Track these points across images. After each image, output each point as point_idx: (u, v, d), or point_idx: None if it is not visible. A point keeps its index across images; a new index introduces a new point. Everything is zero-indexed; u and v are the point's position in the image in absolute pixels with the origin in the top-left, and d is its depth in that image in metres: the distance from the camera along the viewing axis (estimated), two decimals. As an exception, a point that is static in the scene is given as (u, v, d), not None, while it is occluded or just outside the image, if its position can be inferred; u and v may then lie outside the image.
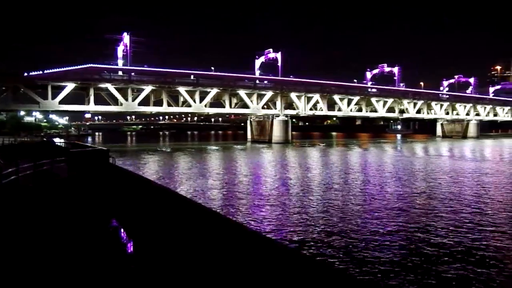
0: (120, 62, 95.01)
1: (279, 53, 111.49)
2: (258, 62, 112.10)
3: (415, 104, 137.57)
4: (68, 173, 21.97)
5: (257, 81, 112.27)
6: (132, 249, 12.72)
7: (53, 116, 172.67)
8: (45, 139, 74.77)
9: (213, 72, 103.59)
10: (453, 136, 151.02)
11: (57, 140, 76.26)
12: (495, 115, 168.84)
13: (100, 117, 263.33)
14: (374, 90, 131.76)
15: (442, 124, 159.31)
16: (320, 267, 7.34)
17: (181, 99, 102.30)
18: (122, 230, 14.59)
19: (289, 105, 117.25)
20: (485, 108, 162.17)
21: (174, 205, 12.40)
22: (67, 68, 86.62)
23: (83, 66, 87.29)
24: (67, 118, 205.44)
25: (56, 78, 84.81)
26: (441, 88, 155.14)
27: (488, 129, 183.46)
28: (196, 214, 10.81)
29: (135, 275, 9.74)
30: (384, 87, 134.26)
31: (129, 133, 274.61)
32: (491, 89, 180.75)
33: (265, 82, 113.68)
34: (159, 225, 12.12)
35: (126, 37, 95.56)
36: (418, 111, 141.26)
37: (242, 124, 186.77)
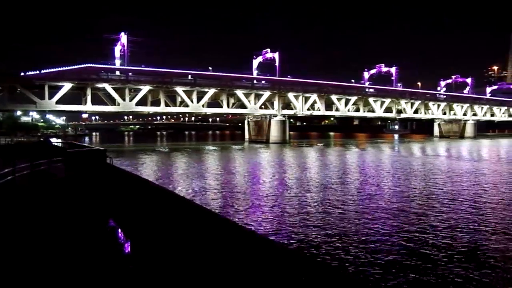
0: (117, 62, 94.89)
1: (277, 53, 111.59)
2: (255, 62, 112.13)
3: (412, 104, 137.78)
4: (65, 173, 21.91)
5: (255, 81, 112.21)
6: (129, 249, 12.66)
7: (50, 116, 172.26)
8: (42, 139, 74.61)
9: (210, 72, 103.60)
10: (451, 136, 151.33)
11: (54, 140, 76.08)
12: (492, 115, 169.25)
13: (97, 117, 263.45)
14: (371, 90, 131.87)
15: (439, 124, 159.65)
16: (319, 267, 7.31)
17: (179, 99, 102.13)
18: (119, 230, 14.52)
19: (287, 105, 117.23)
20: (482, 108, 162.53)
21: (171, 205, 12.35)
22: (64, 68, 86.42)
23: (80, 66, 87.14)
24: (64, 118, 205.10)
25: (53, 78, 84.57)
26: (439, 88, 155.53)
27: (485, 129, 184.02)
28: (194, 214, 10.77)
29: (132, 275, 9.69)
30: (382, 87, 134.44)
31: (126, 133, 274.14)
32: (488, 89, 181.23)
33: (263, 82, 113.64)
34: (156, 225, 12.08)
35: (123, 37, 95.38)
36: (416, 111, 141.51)
37: (240, 124, 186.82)
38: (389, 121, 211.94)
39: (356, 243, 17.21)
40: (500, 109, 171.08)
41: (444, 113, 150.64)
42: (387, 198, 27.82)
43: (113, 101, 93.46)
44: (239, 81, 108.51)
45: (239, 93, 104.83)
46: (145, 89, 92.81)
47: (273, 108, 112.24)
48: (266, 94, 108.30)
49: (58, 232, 12.79)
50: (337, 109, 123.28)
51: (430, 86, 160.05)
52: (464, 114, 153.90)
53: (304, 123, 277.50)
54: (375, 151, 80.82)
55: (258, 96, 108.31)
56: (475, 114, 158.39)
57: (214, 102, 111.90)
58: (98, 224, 15.29)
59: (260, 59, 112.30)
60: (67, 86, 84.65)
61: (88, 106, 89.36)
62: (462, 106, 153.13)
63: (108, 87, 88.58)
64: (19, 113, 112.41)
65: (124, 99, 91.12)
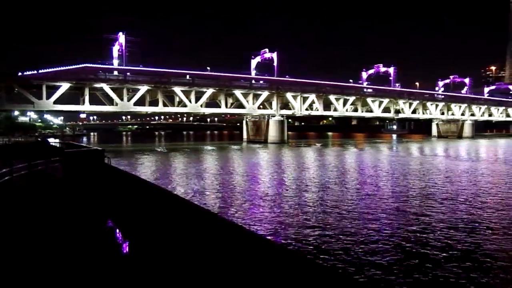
0: (115, 62, 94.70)
1: (275, 53, 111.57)
2: (254, 62, 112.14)
3: (410, 104, 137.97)
4: (63, 173, 21.81)
5: (253, 81, 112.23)
6: (127, 249, 12.59)
7: (47, 116, 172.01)
8: (39, 139, 74.45)
9: (208, 72, 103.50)
10: (449, 136, 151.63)
11: (51, 140, 75.95)
12: (490, 115, 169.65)
13: (95, 117, 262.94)
14: (369, 90, 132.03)
15: (437, 124, 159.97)
16: (318, 268, 7.26)
17: (177, 99, 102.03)
18: (117, 230, 14.45)
19: (285, 105, 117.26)
20: (480, 108, 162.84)
21: (170, 205, 12.29)
22: (62, 68, 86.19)
23: (78, 66, 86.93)
24: (62, 118, 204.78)
25: (51, 78, 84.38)
26: (437, 88, 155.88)
27: (483, 129, 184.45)
28: (192, 214, 10.70)
29: (130, 275, 9.62)
30: (380, 87, 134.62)
31: (124, 133, 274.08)
32: (486, 90, 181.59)
33: (261, 82, 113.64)
34: (155, 225, 12.01)
35: (121, 37, 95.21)
36: (414, 111, 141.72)
37: (238, 124, 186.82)
38: (387, 121, 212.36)
39: (355, 243, 17.17)
40: (498, 109, 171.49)
41: (442, 113, 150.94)
42: (385, 198, 27.80)
43: (111, 101, 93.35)
44: (237, 81, 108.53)
45: (238, 93, 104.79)
46: (143, 89, 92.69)
47: (272, 108, 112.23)
48: (265, 94, 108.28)
49: (56, 232, 12.72)
50: (335, 109, 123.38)
51: (429, 86, 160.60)
52: (462, 114, 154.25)
53: (303, 123, 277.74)
54: (373, 151, 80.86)
55: (256, 96, 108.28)
56: (473, 114, 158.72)
57: (212, 102, 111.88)
58: (96, 224, 15.21)
59: (258, 59, 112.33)
60: (65, 86, 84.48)
61: (86, 106, 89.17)
62: (460, 106, 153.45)
63: (106, 87, 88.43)
64: (16, 113, 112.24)
65: (122, 99, 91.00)
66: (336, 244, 17.06)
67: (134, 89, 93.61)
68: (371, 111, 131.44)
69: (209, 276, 7.64)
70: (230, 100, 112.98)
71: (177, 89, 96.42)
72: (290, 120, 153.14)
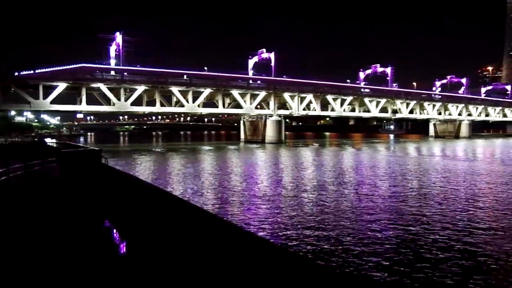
0: (112, 62, 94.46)
1: (272, 53, 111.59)
2: (251, 62, 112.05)
3: (407, 104, 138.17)
4: (59, 173, 21.74)
5: (251, 81, 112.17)
6: (125, 249, 12.54)
7: (44, 116, 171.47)
8: (36, 139, 74.25)
9: (206, 72, 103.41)
10: (446, 136, 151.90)
11: (48, 140, 75.73)
12: (487, 115, 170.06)
13: (92, 117, 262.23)
14: (367, 90, 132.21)
15: (434, 124, 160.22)
16: (316, 267, 7.22)
17: (174, 99, 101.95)
18: (115, 230, 14.39)
19: (283, 105, 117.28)
20: (477, 108, 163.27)
21: (167, 205, 12.25)
22: (59, 68, 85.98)
23: (75, 66, 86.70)
24: (58, 118, 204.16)
25: (48, 78, 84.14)
26: (434, 89, 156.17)
27: (480, 129, 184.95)
28: (190, 214, 10.67)
29: (128, 276, 9.57)
30: (377, 87, 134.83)
31: (121, 133, 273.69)
32: (483, 90, 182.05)
33: (258, 82, 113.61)
34: (152, 226, 11.96)
35: (118, 37, 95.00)
36: (411, 111, 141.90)
37: (235, 124, 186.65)
38: (384, 121, 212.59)
39: (353, 244, 17.14)
40: (495, 109, 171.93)
41: (439, 113, 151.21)
42: (383, 198, 27.78)
43: (108, 101, 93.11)
44: (234, 81, 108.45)
45: (235, 93, 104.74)
46: (140, 89, 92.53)
47: (269, 108, 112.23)
48: (262, 94, 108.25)
49: (53, 232, 12.65)
50: (332, 109, 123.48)
51: (427, 86, 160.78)
52: (459, 114, 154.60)
53: (300, 123, 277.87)
54: (371, 151, 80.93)
55: (253, 96, 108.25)
56: (470, 114, 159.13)
57: (210, 102, 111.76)
58: (94, 224, 15.15)
59: (255, 59, 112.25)
60: (61, 86, 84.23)
61: (83, 106, 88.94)
62: (457, 106, 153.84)
63: (103, 87, 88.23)
64: (13, 113, 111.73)
65: (119, 99, 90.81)
66: (334, 244, 17.03)
67: (131, 89, 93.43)
68: (368, 111, 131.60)
69: (207, 276, 7.60)
70: (227, 100, 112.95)
71: (175, 89, 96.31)
72: (287, 120, 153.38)
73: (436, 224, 20.45)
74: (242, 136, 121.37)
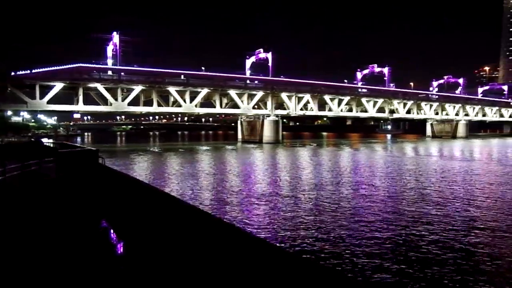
0: (109, 62, 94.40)
1: (270, 53, 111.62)
2: (248, 62, 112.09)
3: (405, 104, 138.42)
4: (56, 173, 21.63)
5: (248, 81, 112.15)
6: (122, 250, 12.48)
7: (41, 116, 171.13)
8: (33, 139, 74.03)
9: (203, 72, 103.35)
10: (443, 136, 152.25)
11: (45, 140, 75.54)
12: (484, 115, 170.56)
13: (89, 117, 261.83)
14: (364, 90, 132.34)
15: (432, 124, 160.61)
16: (314, 267, 7.19)
17: (171, 99, 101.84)
18: (112, 231, 14.33)
19: (280, 105, 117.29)
20: (474, 108, 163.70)
21: (165, 205, 12.20)
22: (55, 68, 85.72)
23: (72, 66, 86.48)
24: (55, 118, 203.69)
25: (44, 78, 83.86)
26: (431, 89, 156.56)
27: (477, 129, 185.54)
28: (187, 215, 10.62)
29: (125, 276, 9.52)
30: (375, 87, 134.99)
31: (118, 133, 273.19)
32: (480, 90, 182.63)
33: (256, 82, 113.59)
34: (150, 226, 11.91)
35: (115, 37, 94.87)
36: (408, 111, 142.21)
37: (233, 124, 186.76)
38: (382, 121, 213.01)
39: (351, 244, 17.12)
40: (492, 109, 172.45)
41: (437, 113, 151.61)
42: (381, 198, 27.79)
43: (105, 101, 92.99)
44: (232, 81, 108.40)
45: (232, 93, 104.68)
46: (137, 89, 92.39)
47: (266, 108, 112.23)
48: (259, 94, 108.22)
49: (50, 232, 12.59)
50: (330, 109, 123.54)
51: (427, 86, 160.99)
52: (456, 114, 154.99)
53: (297, 123, 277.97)
54: (368, 151, 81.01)
55: (251, 96, 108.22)
56: (467, 114, 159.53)
57: (207, 102, 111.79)
58: (91, 224, 15.08)
59: (253, 59, 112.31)
60: (58, 86, 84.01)
61: (80, 106, 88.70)
62: (454, 106, 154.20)
63: (100, 87, 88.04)
64: (9, 113, 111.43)
65: (116, 99, 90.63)
66: (332, 244, 17.00)
67: (129, 89, 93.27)
68: (365, 111, 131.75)
69: (205, 276, 7.56)
70: (225, 100, 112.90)
71: (172, 89, 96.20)
72: (285, 120, 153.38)
73: (434, 224, 20.45)
74: (240, 136, 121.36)
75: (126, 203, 15.69)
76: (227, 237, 8.41)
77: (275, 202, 26.40)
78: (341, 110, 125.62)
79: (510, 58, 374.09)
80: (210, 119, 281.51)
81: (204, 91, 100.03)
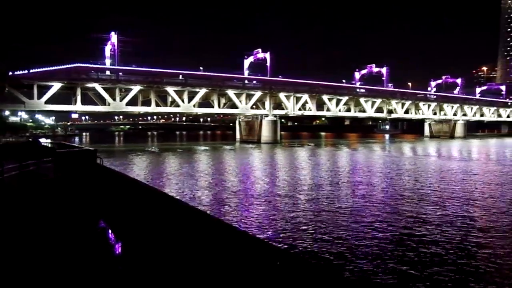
0: (107, 62, 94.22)
1: (268, 53, 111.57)
2: (247, 62, 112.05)
3: (403, 105, 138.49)
4: (54, 173, 21.59)
5: (246, 81, 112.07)
6: (120, 250, 12.46)
7: (39, 116, 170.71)
8: (30, 139, 73.85)
9: (201, 72, 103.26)
10: (441, 136, 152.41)
11: (43, 140, 75.37)
12: (482, 115, 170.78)
13: (87, 117, 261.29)
14: (362, 90, 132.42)
15: (430, 124, 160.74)
16: (312, 267, 7.19)
17: (170, 99, 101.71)
18: (110, 231, 14.31)
19: (278, 105, 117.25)
20: (472, 108, 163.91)
21: (163, 206, 12.19)
22: (53, 68, 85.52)
23: (70, 66, 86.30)
24: (53, 118, 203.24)
25: (42, 78, 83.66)
26: (429, 89, 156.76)
27: (475, 129, 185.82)
28: (186, 215, 10.61)
29: (123, 276, 9.51)
30: (373, 87, 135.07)
31: (117, 133, 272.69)
32: (478, 90, 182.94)
33: (254, 82, 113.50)
34: (148, 226, 11.90)
35: (113, 37, 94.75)
36: (406, 111, 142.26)
37: (231, 124, 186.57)
38: (380, 121, 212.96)
39: (349, 244, 17.12)
40: (490, 109, 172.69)
41: (435, 113, 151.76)
42: (380, 198, 27.82)
43: (103, 101, 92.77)
44: (230, 81, 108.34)
45: (230, 93, 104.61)
46: (135, 89, 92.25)
47: (265, 108, 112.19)
48: (258, 94, 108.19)
49: (48, 233, 12.56)
50: (328, 109, 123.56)
51: (426, 86, 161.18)
52: (454, 114, 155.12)
53: (296, 123, 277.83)
54: (367, 151, 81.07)
55: (249, 96, 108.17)
56: (465, 114, 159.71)
57: (205, 102, 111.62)
58: (89, 225, 15.06)
59: (251, 59, 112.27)
60: (56, 86, 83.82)
61: (78, 106, 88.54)
62: (452, 106, 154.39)
63: (98, 87, 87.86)
64: (7, 113, 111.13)
65: (114, 99, 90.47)
66: (331, 244, 17.00)
67: (127, 89, 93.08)
68: (364, 111, 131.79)
69: (203, 276, 7.55)
70: (223, 100, 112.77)
71: (170, 89, 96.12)
72: (283, 120, 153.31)
73: (433, 224, 20.48)
74: (238, 136, 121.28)
75: (124, 203, 15.67)
76: (225, 237, 8.40)
77: (273, 202, 26.40)
78: (339, 110, 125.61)
79: (508, 58, 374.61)
80: (208, 119, 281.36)
81: (202, 91, 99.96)
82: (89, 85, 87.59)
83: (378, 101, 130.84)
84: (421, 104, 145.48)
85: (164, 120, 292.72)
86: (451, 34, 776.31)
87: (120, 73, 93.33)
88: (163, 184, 34.66)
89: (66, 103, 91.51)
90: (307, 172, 43.48)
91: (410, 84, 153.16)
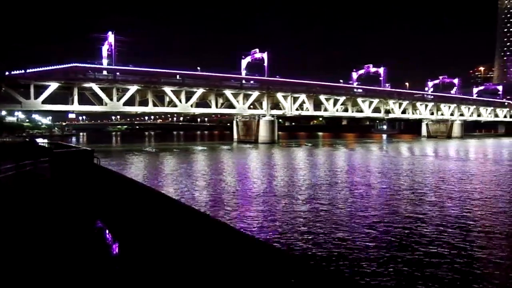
0: (105, 62, 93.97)
1: (265, 53, 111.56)
2: (244, 62, 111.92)
3: (400, 105, 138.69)
4: (51, 174, 21.52)
5: (244, 81, 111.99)
6: (117, 250, 12.42)
7: (36, 116, 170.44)
8: (27, 139, 73.65)
9: (199, 72, 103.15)
10: (438, 136, 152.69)
11: (40, 140, 75.19)
12: (479, 115, 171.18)
13: (84, 117, 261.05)
14: (360, 90, 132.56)
15: (427, 124, 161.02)
16: (310, 268, 7.17)
17: (167, 99, 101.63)
18: (107, 231, 14.26)
19: (276, 105, 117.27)
20: (469, 108, 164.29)
21: (160, 206, 12.16)
22: (50, 68, 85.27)
23: (67, 66, 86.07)
24: (50, 118, 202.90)
25: (39, 78, 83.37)
26: (426, 89, 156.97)
27: (472, 129, 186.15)
28: (183, 215, 10.59)
29: (121, 277, 9.47)
30: (370, 87, 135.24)
31: (114, 133, 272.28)
32: (475, 90, 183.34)
33: (252, 82, 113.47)
34: (145, 226, 11.87)
35: (110, 36, 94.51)
36: (404, 111, 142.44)
37: (228, 124, 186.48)
38: (377, 121, 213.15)
39: (348, 244, 17.11)
40: (487, 109, 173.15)
41: (432, 113, 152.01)
42: (377, 199, 27.83)
43: (100, 101, 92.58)
44: (227, 81, 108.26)
45: (228, 93, 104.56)
46: (133, 89, 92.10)
47: (262, 108, 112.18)
48: (255, 94, 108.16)
49: (44, 233, 12.51)
50: (325, 109, 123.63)
51: (423, 87, 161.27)
52: (452, 114, 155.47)
53: (293, 123, 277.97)
54: (364, 151, 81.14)
55: (246, 96, 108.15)
56: (462, 114, 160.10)
57: (203, 102, 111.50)
58: (86, 225, 15.00)
59: (248, 59, 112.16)
60: (53, 86, 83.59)
61: (75, 106, 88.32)
62: (449, 107, 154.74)
63: (95, 87, 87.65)
64: (3, 113, 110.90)
65: (111, 99, 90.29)
66: (329, 244, 16.99)
67: (124, 89, 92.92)
68: (361, 111, 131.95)
69: (200, 277, 7.52)
70: (220, 100, 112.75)
71: (167, 89, 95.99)
72: (280, 120, 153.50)
73: (431, 224, 20.49)
74: (235, 136, 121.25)
75: (121, 203, 15.63)
76: (222, 237, 8.38)
77: (271, 202, 26.37)
78: (337, 110, 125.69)
79: (505, 58, 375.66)
80: (206, 119, 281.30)
81: (199, 91, 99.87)
82: (86, 85, 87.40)
83: (376, 101, 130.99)
84: (418, 104, 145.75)
85: (161, 120, 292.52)
86: (450, 34, 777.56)
87: (117, 73, 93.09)
88: (160, 184, 34.59)
89: (63, 103, 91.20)
90: (304, 172, 43.48)
91: (407, 84, 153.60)
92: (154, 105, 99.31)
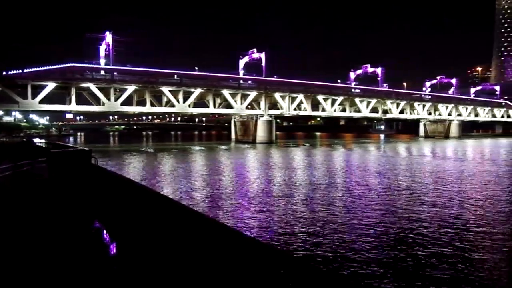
0: (102, 62, 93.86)
1: (263, 53, 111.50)
2: (242, 62, 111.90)
3: (398, 105, 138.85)
4: (49, 174, 21.47)
5: (241, 81, 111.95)
6: (115, 250, 12.38)
7: (33, 116, 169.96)
8: (24, 139, 73.51)
9: (197, 72, 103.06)
10: (436, 136, 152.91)
11: (37, 140, 75.03)
12: (476, 115, 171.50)
13: (82, 117, 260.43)
14: (357, 90, 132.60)
15: (424, 124, 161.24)
16: (309, 268, 7.16)
17: (165, 99, 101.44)
18: (104, 231, 14.22)
19: (273, 105, 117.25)
20: (466, 108, 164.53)
21: (158, 206, 12.13)
22: (48, 67, 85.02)
23: (64, 66, 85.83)
24: (47, 118, 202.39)
25: (36, 78, 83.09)
26: (424, 89, 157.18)
27: (469, 129, 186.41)
28: (180, 215, 10.56)
29: (118, 277, 9.44)
30: (368, 87, 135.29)
31: (111, 133, 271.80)
32: (472, 90, 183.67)
33: (249, 82, 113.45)
34: (143, 226, 11.84)
35: (108, 36, 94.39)
36: (401, 112, 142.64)
37: (226, 124, 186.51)
38: (375, 121, 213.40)
39: (346, 244, 17.10)
40: (484, 110, 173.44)
41: (430, 113, 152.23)
42: (375, 199, 27.83)
43: (98, 101, 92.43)
44: (225, 81, 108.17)
45: (226, 93, 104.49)
46: (130, 89, 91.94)
47: (260, 108, 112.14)
48: (253, 94, 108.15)
49: (42, 233, 12.47)
50: (323, 109, 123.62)
51: (420, 87, 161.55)
52: (449, 115, 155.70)
53: (291, 123, 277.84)
54: (362, 151, 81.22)
55: (244, 96, 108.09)
56: (459, 115, 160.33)
57: (200, 102, 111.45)
58: (83, 225, 14.96)
59: (246, 59, 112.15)
60: (50, 86, 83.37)
61: (73, 106, 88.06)
62: (447, 107, 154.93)
63: (92, 87, 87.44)
64: (1, 113, 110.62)
65: (109, 99, 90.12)
66: (328, 244, 16.98)
67: (122, 89, 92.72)
68: (359, 111, 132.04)
69: (198, 277, 7.50)
70: (218, 100, 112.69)
71: (165, 89, 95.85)
72: (278, 120, 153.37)
73: (429, 224, 20.50)
74: (233, 136, 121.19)
75: (119, 204, 15.59)
76: (219, 237, 8.36)
77: (269, 202, 26.36)
78: (335, 110, 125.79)
79: (502, 58, 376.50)
80: (204, 119, 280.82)
81: (197, 91, 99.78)
82: (84, 85, 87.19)
83: (373, 101, 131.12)
84: (416, 104, 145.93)
85: (159, 120, 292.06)
86: (450, 34, 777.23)
87: (115, 73, 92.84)
88: (158, 184, 34.55)
89: (61, 103, 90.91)
90: (302, 172, 43.48)
91: (405, 84, 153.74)
92: (152, 105, 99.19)
